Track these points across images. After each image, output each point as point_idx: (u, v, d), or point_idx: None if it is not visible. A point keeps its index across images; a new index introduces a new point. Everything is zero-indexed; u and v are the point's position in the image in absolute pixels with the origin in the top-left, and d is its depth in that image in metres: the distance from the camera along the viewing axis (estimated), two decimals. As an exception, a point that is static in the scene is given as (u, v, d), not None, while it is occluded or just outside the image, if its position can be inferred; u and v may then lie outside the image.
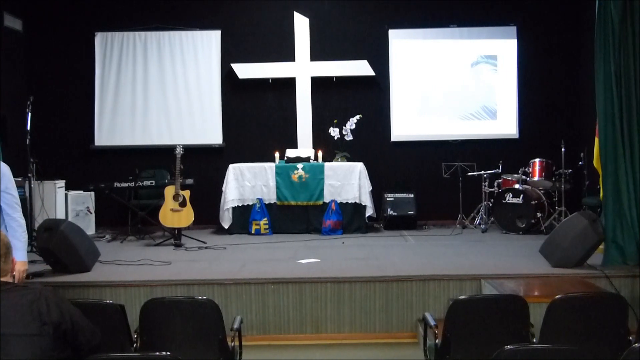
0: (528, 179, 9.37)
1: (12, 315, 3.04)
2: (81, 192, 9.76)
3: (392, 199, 9.92)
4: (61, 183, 9.58)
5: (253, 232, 9.44)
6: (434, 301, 6.02)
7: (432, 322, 4.26)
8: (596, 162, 6.64)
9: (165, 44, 10.75)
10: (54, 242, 6.56)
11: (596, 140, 6.52)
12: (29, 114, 8.50)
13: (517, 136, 10.67)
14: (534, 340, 4.07)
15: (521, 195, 9.10)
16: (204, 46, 10.77)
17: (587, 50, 9.54)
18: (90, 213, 9.93)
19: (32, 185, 8.47)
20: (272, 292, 6.06)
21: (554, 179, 9.30)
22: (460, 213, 9.75)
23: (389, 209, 9.85)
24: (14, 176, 5.05)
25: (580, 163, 9.38)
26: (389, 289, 6.05)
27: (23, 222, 4.99)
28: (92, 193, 9.84)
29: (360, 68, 10.55)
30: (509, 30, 10.67)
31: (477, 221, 9.76)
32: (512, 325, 4.10)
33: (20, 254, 4.76)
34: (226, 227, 9.57)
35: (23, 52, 10.53)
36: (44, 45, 10.68)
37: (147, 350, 4.03)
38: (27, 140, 8.38)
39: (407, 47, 10.74)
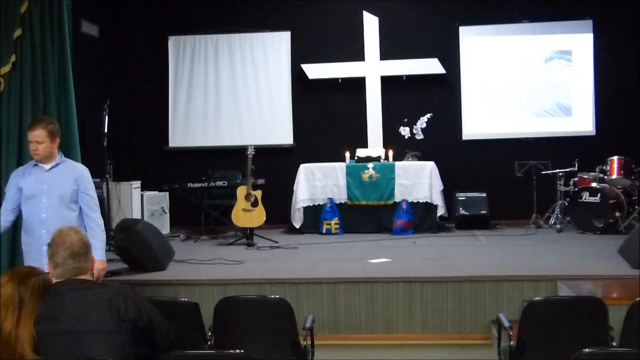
0: (606, 177, 9.11)
1: (92, 313, 3.12)
2: (156, 192, 9.95)
3: (463, 198, 9.80)
4: (137, 184, 9.80)
5: (324, 231, 9.46)
6: (508, 302, 5.91)
7: (506, 324, 4.19)
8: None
9: (236, 46, 10.88)
10: (130, 242, 6.72)
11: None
12: (106, 117, 8.74)
13: (593, 133, 10.38)
14: (614, 344, 3.96)
15: (598, 194, 8.86)
16: (274, 47, 10.85)
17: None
18: (165, 213, 10.12)
19: (109, 186, 8.69)
20: (344, 292, 6.06)
21: (633, 177, 9.02)
22: (535, 212, 9.56)
23: (460, 209, 9.73)
24: (92, 177, 5.19)
25: (661, 160, 9.08)
26: (461, 289, 5.97)
27: (101, 222, 5.12)
28: (167, 193, 10.02)
29: (431, 66, 10.45)
30: (585, 24, 10.39)
31: (552, 221, 9.55)
32: (590, 328, 3.99)
33: (99, 253, 4.88)
34: (297, 226, 9.62)
35: (99, 57, 10.82)
36: (119, 50, 10.96)
37: (220, 347, 4.09)
38: (104, 143, 8.62)
39: (478, 44, 10.59)
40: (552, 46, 10.46)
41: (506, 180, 10.09)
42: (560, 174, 9.42)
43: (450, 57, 10.54)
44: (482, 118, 10.57)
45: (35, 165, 5.01)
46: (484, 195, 9.79)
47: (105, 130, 8.68)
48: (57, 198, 4.92)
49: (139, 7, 10.89)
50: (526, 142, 10.37)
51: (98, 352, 3.06)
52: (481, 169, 10.46)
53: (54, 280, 3.26)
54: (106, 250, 5.64)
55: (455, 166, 10.37)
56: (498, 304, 5.91)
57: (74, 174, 5.01)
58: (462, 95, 10.58)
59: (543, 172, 9.51)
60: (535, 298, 4.72)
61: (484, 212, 9.70)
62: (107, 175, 8.67)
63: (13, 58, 6.61)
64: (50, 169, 4.98)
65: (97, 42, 10.74)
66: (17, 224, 5.37)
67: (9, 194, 5.05)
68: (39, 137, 4.86)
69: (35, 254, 4.78)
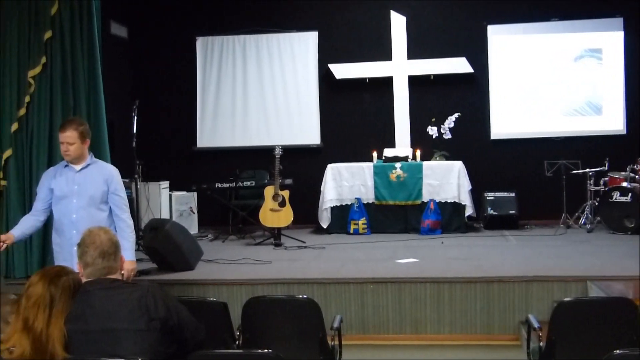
0: (637, 176, 8.99)
1: (122, 311, 3.14)
2: (184, 192, 10.01)
3: (492, 198, 9.73)
4: (165, 184, 9.87)
5: (351, 231, 9.45)
6: (537, 303, 5.87)
7: (536, 325, 4.16)
8: None
9: (264, 47, 10.91)
10: (159, 241, 6.77)
11: None
12: (135, 117, 8.81)
13: (624, 132, 10.25)
14: (645, 346, 3.90)
15: (629, 194, 8.75)
16: (301, 47, 10.87)
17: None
18: (193, 213, 10.17)
19: (138, 187, 8.76)
20: (371, 292, 6.06)
21: (664, 177, 8.91)
22: (564, 212, 9.45)
23: (489, 209, 9.66)
24: (121, 178, 5.23)
25: (693, 159, 8.95)
26: (490, 289, 5.94)
27: (131, 222, 5.15)
28: (195, 193, 10.07)
29: (458, 65, 10.40)
30: (615, 22, 10.26)
31: (582, 221, 9.44)
32: (621, 330, 3.94)
33: (128, 254, 4.91)
34: (325, 226, 9.63)
35: (128, 58, 10.92)
36: (148, 51, 11.06)
37: (249, 347, 4.10)
38: (133, 143, 8.68)
39: (506, 42, 10.51)
40: (582, 44, 10.36)
41: (535, 180, 10.01)
42: (591, 173, 9.32)
43: (478, 56, 10.47)
44: (510, 117, 10.49)
45: (66, 166, 5.05)
46: (513, 195, 9.72)
47: (134, 131, 8.75)
48: (88, 199, 4.96)
49: (168, 9, 10.98)
50: (556, 142, 10.28)
51: (128, 351, 3.09)
52: (510, 168, 10.37)
53: (84, 280, 3.29)
54: (135, 250, 5.68)
55: (484, 166, 10.30)
56: (527, 304, 5.87)
57: (104, 175, 5.05)
58: (490, 95, 10.51)
59: (573, 172, 9.40)
60: (565, 299, 4.67)
61: (513, 212, 9.63)
62: (136, 176, 8.74)
63: (43, 60, 6.71)
64: (81, 169, 5.02)
65: (126, 44, 10.85)
66: (47, 224, 5.44)
67: (40, 194, 5.11)
68: (70, 138, 4.90)
69: (66, 254, 4.82)
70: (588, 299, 5.21)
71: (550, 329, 3.99)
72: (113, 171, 5.13)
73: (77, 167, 5.02)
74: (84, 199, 4.95)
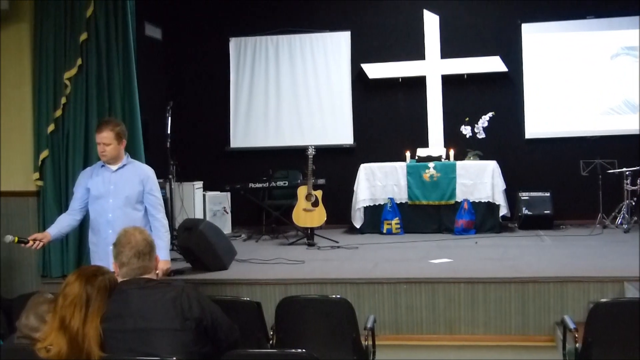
0: (674, 175, 8.86)
1: (157, 311, 3.17)
2: (218, 192, 10.06)
3: (527, 198, 9.64)
4: (199, 184, 9.93)
5: (385, 231, 9.43)
6: (573, 304, 5.80)
7: (571, 325, 4.11)
8: None
9: (296, 47, 10.94)
10: (193, 241, 6.82)
11: None
12: (169, 118, 8.89)
13: (661, 131, 10.10)
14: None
15: (667, 193, 8.63)
16: (333, 47, 10.87)
17: None
18: (227, 213, 10.22)
19: (172, 187, 8.83)
20: (405, 292, 6.04)
21: (702, 176, 8.76)
22: (600, 212, 9.33)
23: (523, 208, 9.57)
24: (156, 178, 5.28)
25: None
26: (525, 290, 5.88)
27: (166, 222, 5.20)
28: (228, 193, 10.12)
29: (492, 64, 10.32)
30: (652, 19, 10.12)
31: (619, 221, 9.31)
32: (659, 331, 3.89)
33: (163, 253, 4.95)
34: (358, 226, 9.61)
35: (162, 60, 11.01)
36: (181, 52, 11.14)
37: (282, 347, 4.11)
38: (168, 144, 8.76)
39: (541, 40, 10.40)
40: (618, 42, 10.21)
41: (571, 180, 9.89)
42: (627, 172, 9.18)
43: (513, 54, 10.38)
44: (545, 116, 10.38)
45: (103, 166, 5.11)
46: (548, 194, 9.61)
47: (169, 132, 8.82)
48: (123, 198, 5.01)
49: (201, 10, 11.04)
50: (591, 141, 10.14)
51: (162, 350, 3.11)
52: (545, 168, 10.27)
53: (120, 279, 3.32)
54: (170, 250, 5.72)
55: (518, 165, 10.21)
56: (563, 305, 5.81)
57: (140, 175, 5.09)
58: (524, 94, 10.42)
59: (609, 171, 9.28)
60: (602, 300, 4.62)
61: (548, 212, 9.52)
62: (170, 176, 8.81)
63: (79, 61, 6.79)
64: (117, 170, 5.08)
65: (160, 45, 10.94)
66: (83, 224, 5.50)
67: (76, 193, 5.17)
68: (106, 139, 4.95)
69: (102, 253, 4.88)
70: (625, 300, 5.14)
71: (587, 330, 3.95)
72: (149, 171, 5.18)
73: (114, 167, 5.08)
74: (120, 198, 5.00)
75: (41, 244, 4.92)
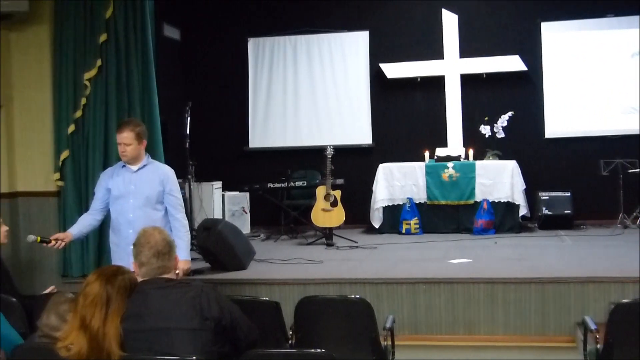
0: (697, 175, 8.77)
1: (176, 311, 3.18)
2: (236, 192, 10.08)
3: (546, 197, 9.57)
4: (218, 184, 9.96)
5: (403, 231, 9.40)
6: (594, 304, 5.75)
7: (592, 326, 4.09)
8: None
9: (314, 47, 10.94)
10: (212, 241, 6.84)
11: None
12: (188, 118, 8.93)
13: (683, 130, 9.99)
14: None
15: (689, 193, 8.54)
16: (352, 47, 10.85)
17: None
18: (246, 213, 10.24)
19: (191, 187, 8.86)
20: (424, 292, 6.02)
21: None
22: (622, 212, 9.25)
23: (543, 208, 9.51)
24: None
25: None
26: (545, 290, 5.84)
27: (186, 222, 5.23)
28: (247, 194, 10.14)
29: (512, 63, 10.25)
30: (673, 17, 10.01)
31: (640, 221, 9.25)
32: (681, 332, 3.85)
33: (183, 253, 4.99)
34: (376, 226, 9.60)
35: (181, 60, 11.06)
36: (200, 52, 11.18)
37: (301, 346, 4.11)
38: (186, 144, 8.79)
39: (561, 39, 10.33)
40: (638, 40, 10.10)
41: (591, 179, 9.81)
42: (649, 172, 9.11)
43: (532, 53, 10.32)
44: (565, 115, 10.30)
45: (124, 166, 5.15)
46: (568, 194, 9.54)
47: (187, 132, 8.86)
48: (144, 199, 5.04)
49: (219, 11, 11.07)
50: (612, 140, 10.05)
51: (182, 350, 3.12)
52: (565, 167, 10.20)
53: (139, 279, 3.34)
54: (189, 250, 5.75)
55: (538, 165, 10.15)
56: (583, 306, 5.76)
57: (160, 175, 5.13)
58: (544, 93, 10.34)
59: (630, 171, 9.20)
60: (623, 300, 4.58)
61: (568, 211, 9.46)
62: (189, 176, 8.85)
63: (99, 62, 6.84)
64: (138, 170, 5.11)
65: (178, 45, 10.99)
66: (103, 224, 5.55)
67: (97, 193, 5.22)
68: (127, 139, 4.98)
69: (123, 253, 4.91)
70: (647, 300, 5.09)
71: (608, 331, 3.92)
72: (169, 172, 5.21)
73: (134, 167, 5.11)
74: (141, 198, 5.04)
75: (63, 243, 4.97)
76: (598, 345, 4.02)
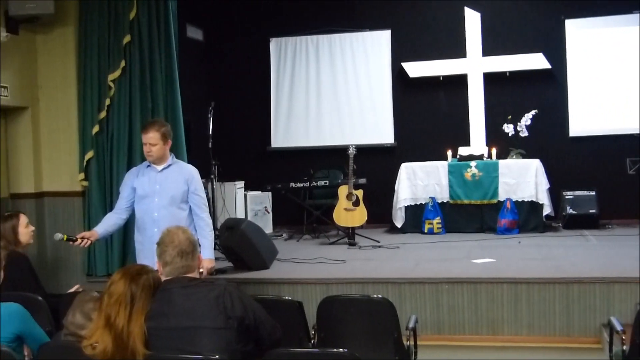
0: None
1: (200, 309, 3.20)
2: (259, 192, 10.11)
3: (571, 197, 9.49)
4: (241, 184, 9.99)
5: (426, 231, 9.37)
6: (620, 305, 5.69)
7: (618, 327, 4.04)
8: None
9: (336, 46, 10.93)
10: (235, 241, 6.87)
11: None
12: (211, 118, 8.97)
13: None
14: None
15: None
16: (374, 46, 10.84)
17: None
18: (268, 213, 10.26)
19: (214, 187, 8.90)
20: (447, 292, 6.00)
21: None
22: (648, 211, 9.17)
23: (568, 208, 9.43)
24: (198, 178, 5.34)
25: None
26: (570, 291, 5.80)
27: (210, 221, 5.26)
28: (270, 193, 10.15)
29: (535, 61, 10.17)
30: (700, 13, 9.88)
31: (666, 220, 9.14)
32: None
33: (207, 252, 5.03)
34: (399, 226, 9.57)
35: (204, 61, 11.11)
36: (222, 53, 11.24)
37: (324, 346, 4.12)
38: (209, 144, 8.83)
39: (585, 37, 10.23)
40: (665, 37, 10.00)
41: (617, 178, 9.70)
42: (675, 171, 9.00)
43: (556, 51, 10.23)
44: (590, 114, 10.19)
45: (149, 166, 5.20)
46: (593, 193, 9.45)
47: (210, 132, 8.90)
48: (169, 198, 5.08)
49: (242, 11, 11.11)
50: (638, 138, 9.95)
51: (205, 348, 3.14)
52: (590, 166, 10.10)
53: (163, 278, 3.36)
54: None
55: (563, 164, 10.06)
56: (609, 306, 5.70)
57: (185, 175, 5.17)
58: (569, 91, 10.24)
59: (656, 170, 9.10)
60: (650, 301, 4.54)
61: (593, 211, 9.36)
62: (212, 176, 8.89)
63: (123, 64, 6.90)
64: (163, 169, 5.15)
65: (201, 46, 11.04)
66: (128, 223, 5.59)
67: (123, 193, 5.27)
68: (152, 139, 5.03)
69: (147, 252, 4.94)
70: (674, 301, 5.04)
71: (635, 332, 3.88)
72: (193, 171, 5.25)
73: (159, 167, 5.15)
74: (165, 198, 5.08)
75: (89, 242, 5.03)
76: (624, 347, 3.98)
